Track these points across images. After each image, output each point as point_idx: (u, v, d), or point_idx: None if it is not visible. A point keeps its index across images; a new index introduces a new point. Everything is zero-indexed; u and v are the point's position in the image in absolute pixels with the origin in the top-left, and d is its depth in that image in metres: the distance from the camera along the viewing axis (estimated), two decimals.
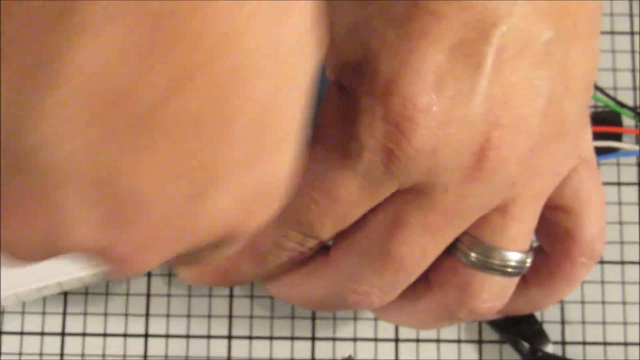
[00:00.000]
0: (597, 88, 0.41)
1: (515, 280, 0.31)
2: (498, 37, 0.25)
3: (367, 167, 0.26)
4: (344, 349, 0.40)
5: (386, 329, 0.41)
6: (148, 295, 0.41)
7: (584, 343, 0.41)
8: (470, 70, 0.25)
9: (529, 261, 0.30)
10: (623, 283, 0.41)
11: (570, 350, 0.41)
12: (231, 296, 0.41)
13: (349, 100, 0.26)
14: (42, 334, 0.40)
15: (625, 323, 0.41)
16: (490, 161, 0.26)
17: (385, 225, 0.27)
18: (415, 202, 0.27)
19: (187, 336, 0.41)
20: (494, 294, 0.30)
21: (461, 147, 0.25)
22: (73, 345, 0.40)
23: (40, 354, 0.40)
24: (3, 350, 0.40)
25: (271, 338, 0.41)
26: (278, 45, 0.17)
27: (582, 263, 0.31)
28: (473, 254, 0.28)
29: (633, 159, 0.42)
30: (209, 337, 0.41)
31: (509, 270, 0.29)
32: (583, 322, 0.41)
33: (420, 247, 0.27)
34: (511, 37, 0.25)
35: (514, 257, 0.29)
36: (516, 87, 0.26)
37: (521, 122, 0.26)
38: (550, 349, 0.40)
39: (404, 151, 0.25)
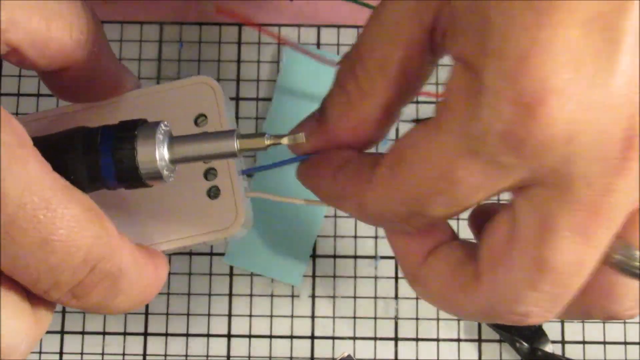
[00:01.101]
0: None
1: None
2: (639, 9, 0.22)
3: (491, 151, 0.24)
4: (343, 347, 0.40)
5: (385, 328, 0.41)
6: None
7: (584, 342, 0.41)
8: (609, 46, 0.23)
9: None
10: None
11: (570, 349, 0.40)
12: (231, 295, 0.41)
13: (473, 78, 0.24)
14: None
15: (625, 322, 0.41)
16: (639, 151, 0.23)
17: (533, 230, 0.25)
18: (558, 199, 0.24)
19: (187, 335, 0.41)
20: (638, 301, 0.27)
21: (603, 134, 0.23)
22: (72, 343, 0.40)
23: (40, 352, 0.40)
24: None
25: (271, 337, 0.41)
26: None
27: None
28: (617, 256, 0.25)
29: None
30: (208, 335, 0.41)
31: None
32: (583, 321, 0.41)
33: (575, 254, 0.25)
34: None
35: None
36: None
37: None
38: (549, 348, 0.40)
39: (535, 136, 0.23)
